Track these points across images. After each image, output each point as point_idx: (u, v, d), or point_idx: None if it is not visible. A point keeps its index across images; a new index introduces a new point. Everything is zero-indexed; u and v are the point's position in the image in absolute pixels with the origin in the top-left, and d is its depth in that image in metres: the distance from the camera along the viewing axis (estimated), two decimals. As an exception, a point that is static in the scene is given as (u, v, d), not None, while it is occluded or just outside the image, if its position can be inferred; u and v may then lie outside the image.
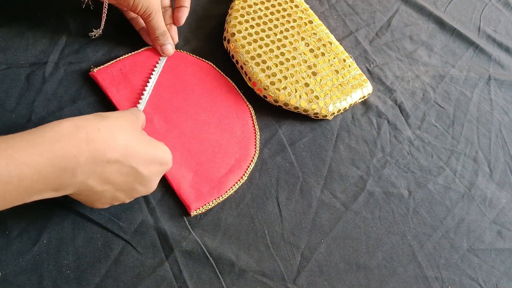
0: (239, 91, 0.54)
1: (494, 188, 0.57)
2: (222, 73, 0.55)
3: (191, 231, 0.44)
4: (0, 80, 0.47)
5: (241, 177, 0.48)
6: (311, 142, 0.54)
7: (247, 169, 0.49)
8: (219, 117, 0.51)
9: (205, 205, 0.45)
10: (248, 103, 0.54)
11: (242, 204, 0.47)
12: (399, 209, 0.52)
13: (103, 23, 0.51)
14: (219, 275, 0.42)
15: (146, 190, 0.39)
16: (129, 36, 0.55)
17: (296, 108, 0.53)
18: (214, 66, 0.55)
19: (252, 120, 0.53)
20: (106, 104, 0.49)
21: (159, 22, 0.51)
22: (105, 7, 0.49)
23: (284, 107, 0.53)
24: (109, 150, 0.32)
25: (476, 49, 0.71)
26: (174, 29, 0.55)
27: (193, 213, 0.44)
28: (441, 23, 0.73)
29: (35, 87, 0.48)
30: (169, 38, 0.53)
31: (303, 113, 0.54)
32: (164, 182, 0.46)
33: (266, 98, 0.53)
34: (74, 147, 0.31)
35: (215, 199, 0.46)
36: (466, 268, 0.50)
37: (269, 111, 0.54)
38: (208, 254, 0.43)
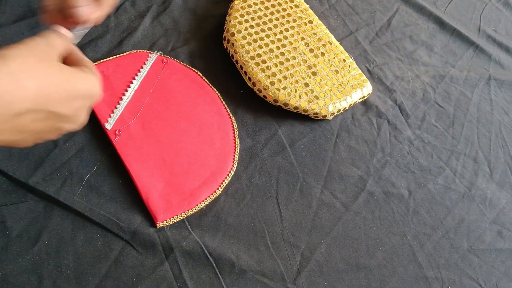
0: (223, 102, 0.53)
1: (494, 188, 0.57)
2: (208, 82, 0.54)
3: (191, 231, 0.44)
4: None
5: (215, 191, 0.46)
6: (311, 142, 0.54)
7: (222, 183, 0.47)
8: (199, 127, 0.50)
9: (174, 217, 0.43)
10: (231, 115, 0.52)
11: (242, 204, 0.47)
12: (399, 209, 0.52)
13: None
14: (219, 275, 0.42)
15: (74, 126, 0.34)
16: (130, 37, 0.55)
17: (296, 108, 0.53)
18: (201, 75, 0.54)
19: (234, 132, 0.51)
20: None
21: None
22: None
23: (284, 107, 0.53)
24: (16, 101, 0.27)
25: (476, 49, 0.71)
26: None
27: (160, 224, 0.43)
28: (441, 23, 0.73)
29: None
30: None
31: (303, 113, 0.54)
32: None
33: (266, 98, 0.53)
34: None
35: (185, 212, 0.44)
36: (466, 268, 0.50)
37: (269, 111, 0.54)
38: (208, 254, 0.43)
